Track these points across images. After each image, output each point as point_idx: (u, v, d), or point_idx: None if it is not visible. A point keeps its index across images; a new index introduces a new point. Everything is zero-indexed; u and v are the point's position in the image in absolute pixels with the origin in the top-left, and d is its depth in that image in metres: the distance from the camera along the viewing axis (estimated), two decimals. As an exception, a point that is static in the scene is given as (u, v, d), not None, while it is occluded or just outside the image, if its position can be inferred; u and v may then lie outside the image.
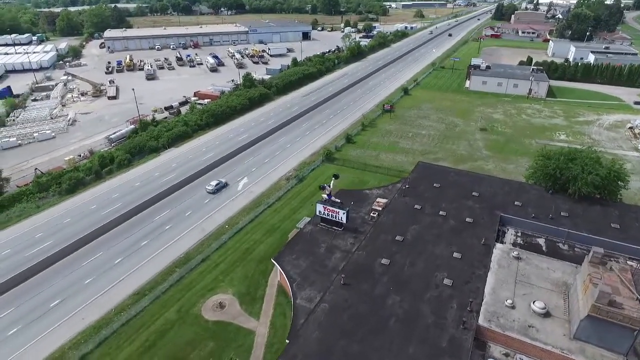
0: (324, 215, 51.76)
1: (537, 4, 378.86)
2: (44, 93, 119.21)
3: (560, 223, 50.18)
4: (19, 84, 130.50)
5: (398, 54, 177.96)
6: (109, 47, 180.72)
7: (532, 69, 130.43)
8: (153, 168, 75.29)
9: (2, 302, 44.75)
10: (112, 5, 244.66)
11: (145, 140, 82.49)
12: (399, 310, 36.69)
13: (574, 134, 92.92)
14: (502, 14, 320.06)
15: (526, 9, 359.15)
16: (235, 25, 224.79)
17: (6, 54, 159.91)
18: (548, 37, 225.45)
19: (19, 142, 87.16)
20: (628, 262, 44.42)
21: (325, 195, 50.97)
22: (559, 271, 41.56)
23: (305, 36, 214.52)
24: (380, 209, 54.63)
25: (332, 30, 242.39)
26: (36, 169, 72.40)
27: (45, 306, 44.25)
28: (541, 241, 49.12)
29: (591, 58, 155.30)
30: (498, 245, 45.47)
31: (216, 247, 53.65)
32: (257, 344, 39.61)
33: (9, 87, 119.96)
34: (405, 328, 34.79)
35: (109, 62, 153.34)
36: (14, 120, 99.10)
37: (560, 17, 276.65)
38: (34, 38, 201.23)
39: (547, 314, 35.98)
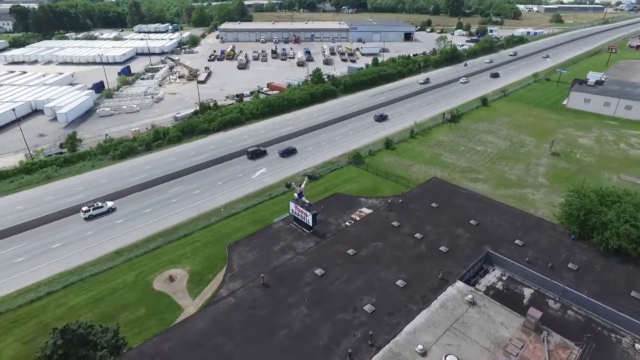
0: (295, 215, 50.89)
1: None
2: (151, 73, 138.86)
3: (561, 276, 40.90)
4: (141, 65, 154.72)
5: (500, 61, 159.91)
6: (221, 38, 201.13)
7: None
8: (193, 147, 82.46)
9: (23, 236, 54.78)
10: (238, 0, 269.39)
11: (199, 122, 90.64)
12: (298, 324, 34.57)
13: (682, 174, 72.72)
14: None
15: None
16: (339, 23, 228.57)
17: (141, 39, 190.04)
18: None
19: (112, 112, 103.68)
20: (637, 344, 34.43)
21: (296, 194, 49.94)
22: (514, 329, 34.00)
23: (408, 37, 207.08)
24: (358, 219, 51.33)
25: (441, 32, 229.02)
26: (106, 134, 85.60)
27: (49, 247, 52.81)
28: (528, 292, 40.74)
29: None
30: (457, 283, 39.02)
31: (201, 227, 56.82)
32: (178, 321, 41.27)
33: (128, 67, 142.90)
34: (291, 343, 32.72)
35: (214, 51, 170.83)
36: (118, 93, 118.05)
37: None
38: (170, 27, 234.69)
39: (458, 374, 30.07)
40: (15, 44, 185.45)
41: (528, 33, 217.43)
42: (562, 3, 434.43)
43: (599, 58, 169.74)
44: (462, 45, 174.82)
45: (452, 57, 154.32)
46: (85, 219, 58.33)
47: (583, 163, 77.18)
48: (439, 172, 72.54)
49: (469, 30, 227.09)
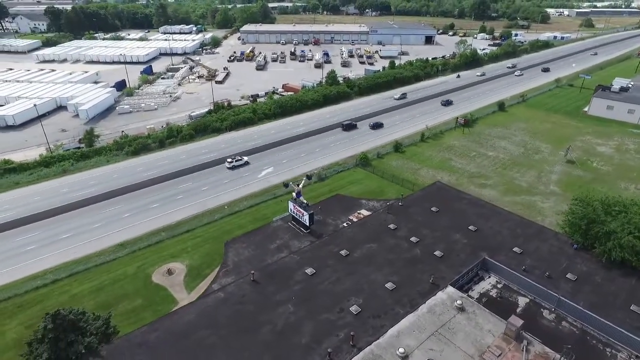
0: (294, 214, 51.35)
1: None
2: (171, 73, 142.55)
3: (559, 286, 39.65)
4: (163, 65, 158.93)
5: (523, 65, 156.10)
6: (243, 39, 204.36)
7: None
8: (205, 145, 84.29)
9: (36, 226, 57.40)
10: (261, 3, 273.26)
11: (212, 121, 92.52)
12: (282, 321, 34.87)
13: None
14: None
15: None
16: (359, 25, 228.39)
17: (165, 40, 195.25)
18: None
19: (131, 109, 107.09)
20: (633, 360, 33.19)
21: (294, 194, 50.37)
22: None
23: (429, 40, 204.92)
24: (356, 220, 51.29)
25: (464, 35, 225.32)
26: (123, 131, 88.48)
27: (58, 237, 55.13)
28: (522, 300, 39.73)
29: None
30: (448, 289, 38.46)
31: (204, 223, 58.06)
32: (172, 314, 42.34)
33: (150, 66, 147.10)
34: (274, 340, 33.06)
35: (234, 52, 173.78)
36: (138, 92, 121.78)
37: None
38: (194, 29, 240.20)
39: (438, 379, 29.73)
40: (47, 43, 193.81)
41: (555, 37, 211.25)
42: (595, 7, 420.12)
43: (629, 64, 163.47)
44: (483, 49, 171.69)
45: (471, 61, 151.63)
46: (229, 168, 73.35)
47: (599, 172, 74.61)
48: (446, 177, 71.67)
49: (492, 34, 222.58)
